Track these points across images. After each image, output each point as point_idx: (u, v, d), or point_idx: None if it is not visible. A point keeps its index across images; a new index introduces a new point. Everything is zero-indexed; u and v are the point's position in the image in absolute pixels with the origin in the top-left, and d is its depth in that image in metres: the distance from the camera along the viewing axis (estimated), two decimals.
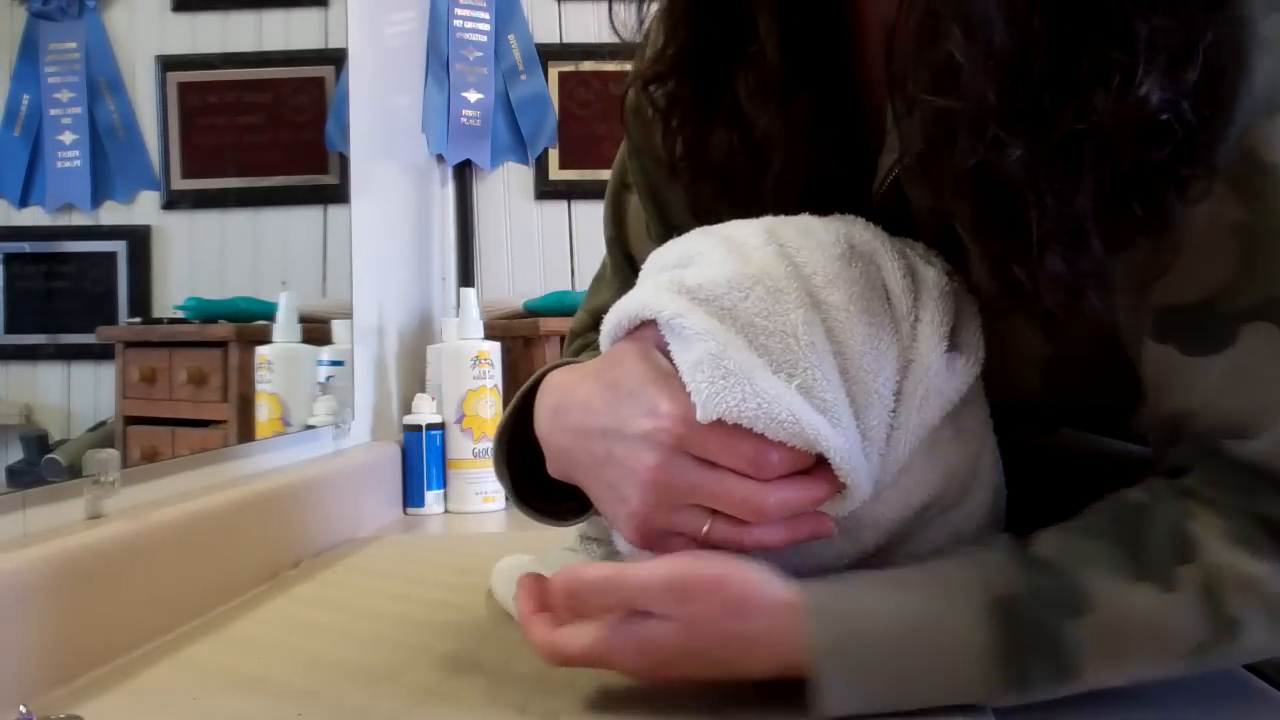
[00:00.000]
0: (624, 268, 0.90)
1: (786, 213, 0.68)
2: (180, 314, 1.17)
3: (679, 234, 0.70)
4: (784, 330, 0.61)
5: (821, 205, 0.69)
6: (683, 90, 0.74)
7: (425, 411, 1.56)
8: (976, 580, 0.61)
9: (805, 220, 0.67)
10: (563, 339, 1.69)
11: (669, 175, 0.78)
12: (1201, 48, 0.56)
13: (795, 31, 0.70)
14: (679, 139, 0.75)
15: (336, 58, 1.51)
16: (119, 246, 1.08)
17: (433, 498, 1.55)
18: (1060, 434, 0.74)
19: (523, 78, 2.04)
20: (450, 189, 2.04)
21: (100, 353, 1.05)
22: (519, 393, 0.76)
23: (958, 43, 0.57)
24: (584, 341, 0.94)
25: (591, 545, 0.86)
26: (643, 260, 0.73)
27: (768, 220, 0.67)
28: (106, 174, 1.06)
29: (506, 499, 0.79)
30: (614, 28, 0.78)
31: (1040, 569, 0.61)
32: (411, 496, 1.55)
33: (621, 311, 0.67)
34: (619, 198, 0.91)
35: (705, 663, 0.62)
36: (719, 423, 0.60)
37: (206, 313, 1.22)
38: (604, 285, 0.95)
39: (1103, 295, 0.60)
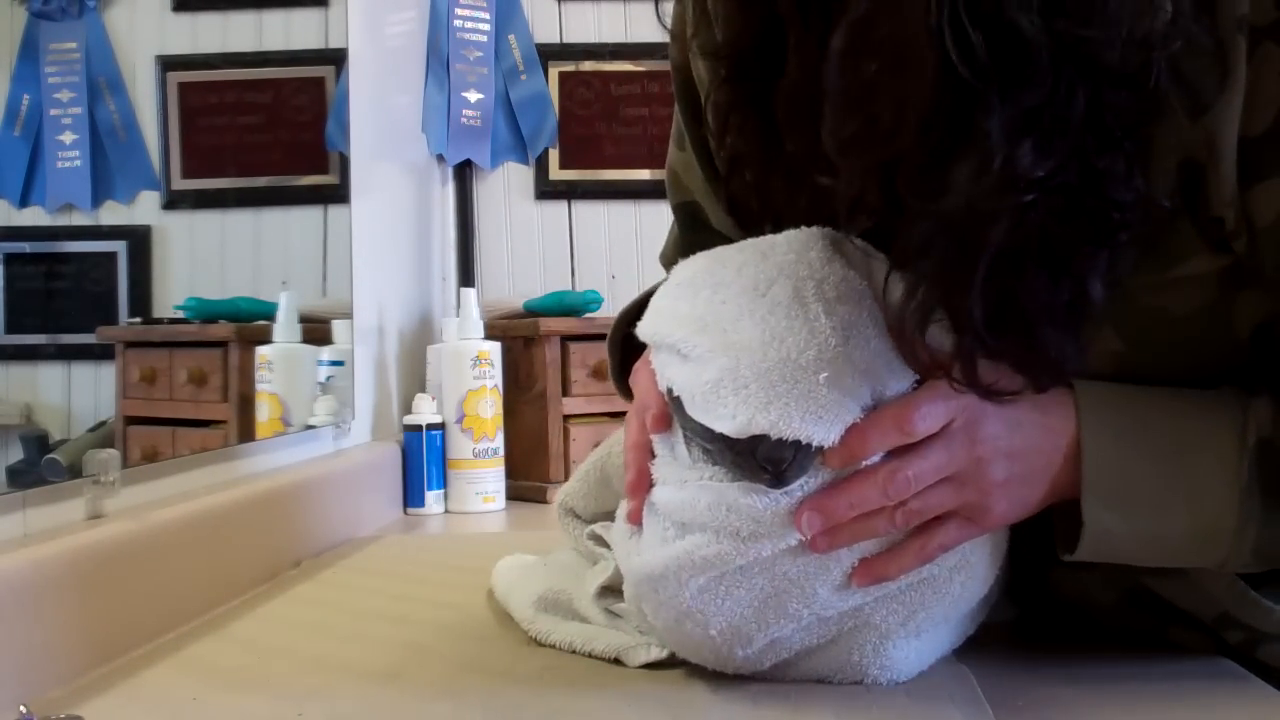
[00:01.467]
0: (689, 224, 0.94)
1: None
2: (180, 314, 1.17)
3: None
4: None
5: None
6: (736, 94, 0.74)
7: (425, 411, 1.56)
8: (1240, 421, 0.64)
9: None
10: (562, 339, 1.70)
11: (726, 176, 0.79)
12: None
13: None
14: (739, 135, 0.75)
15: (336, 58, 1.51)
16: (119, 246, 1.08)
17: (433, 498, 1.55)
18: None
19: (523, 78, 2.04)
20: (450, 189, 2.04)
21: (100, 353, 1.05)
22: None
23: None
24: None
25: (599, 547, 0.86)
26: (705, 206, 0.87)
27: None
28: (107, 174, 1.06)
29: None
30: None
31: None
32: (411, 496, 1.55)
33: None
34: (674, 158, 0.93)
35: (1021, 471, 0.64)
36: None
37: (206, 313, 1.22)
38: (673, 251, 0.97)
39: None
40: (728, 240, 0.78)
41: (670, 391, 0.66)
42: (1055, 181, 0.56)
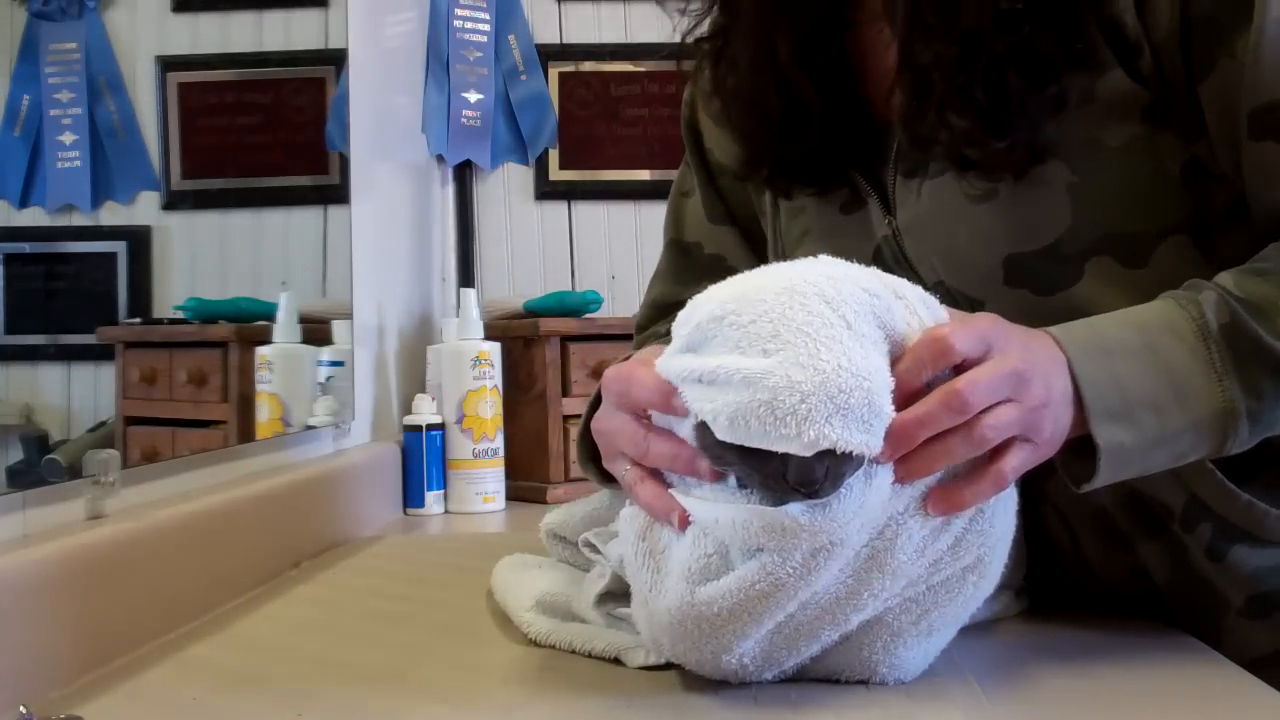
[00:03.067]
0: (678, 262, 1.04)
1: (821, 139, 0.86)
2: (180, 314, 1.17)
3: (731, 216, 0.99)
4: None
5: (844, 135, 0.85)
6: (726, 45, 0.90)
7: (425, 412, 1.56)
8: (1198, 315, 0.71)
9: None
10: (562, 339, 1.70)
11: (722, 121, 0.93)
12: None
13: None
14: (726, 81, 0.90)
15: (336, 58, 1.51)
16: (119, 247, 1.08)
17: (433, 498, 1.55)
18: (1071, 294, 0.79)
19: (523, 78, 2.05)
20: (450, 189, 2.04)
21: (100, 353, 1.05)
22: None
23: None
24: (648, 335, 1.04)
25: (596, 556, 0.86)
26: (699, 243, 1.00)
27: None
28: (106, 174, 1.06)
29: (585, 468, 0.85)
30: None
31: (1239, 300, 0.71)
32: (411, 497, 1.55)
33: None
34: (678, 203, 1.05)
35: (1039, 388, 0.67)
36: None
37: (206, 313, 1.22)
38: (659, 280, 1.06)
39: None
40: (710, 273, 0.85)
41: (698, 422, 0.64)
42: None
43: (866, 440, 0.60)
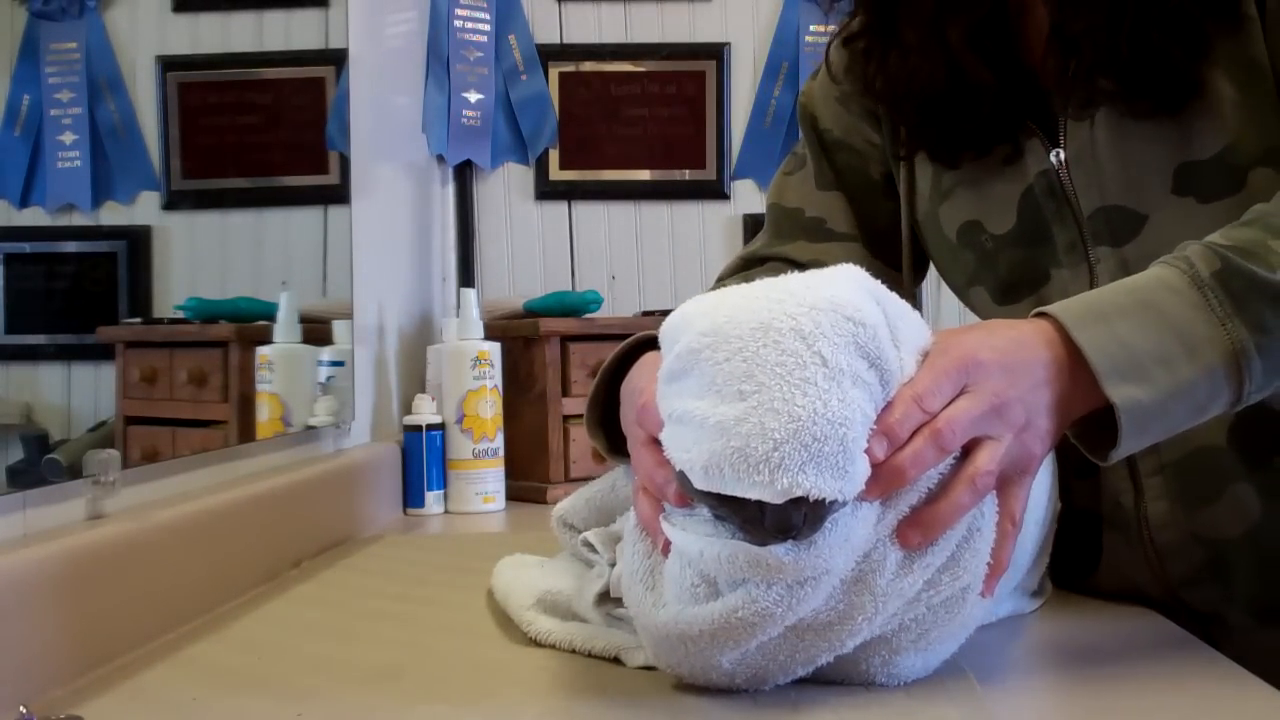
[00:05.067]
0: (777, 223, 1.08)
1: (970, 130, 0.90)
2: (180, 314, 1.17)
3: (841, 183, 1.04)
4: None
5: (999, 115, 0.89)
6: (872, 39, 0.96)
7: (425, 412, 1.56)
8: (1187, 268, 0.72)
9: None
10: (562, 339, 1.70)
11: (876, 116, 1.01)
12: None
13: None
14: (878, 77, 0.95)
15: (337, 58, 1.51)
16: (119, 246, 1.08)
17: (433, 498, 1.55)
18: (1233, 201, 0.82)
19: (523, 78, 2.05)
20: (450, 189, 2.04)
21: (100, 353, 1.05)
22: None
23: None
24: (726, 284, 1.04)
25: (592, 553, 0.86)
26: (800, 208, 1.05)
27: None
28: (107, 174, 1.06)
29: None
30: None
31: (1227, 248, 0.72)
32: (411, 497, 1.55)
33: None
34: (781, 181, 1.10)
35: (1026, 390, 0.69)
36: None
37: (207, 313, 1.22)
38: (757, 238, 1.10)
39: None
40: (809, 233, 1.03)
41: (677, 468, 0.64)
42: None
43: (840, 487, 0.60)
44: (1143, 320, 0.71)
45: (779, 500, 0.59)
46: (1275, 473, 0.84)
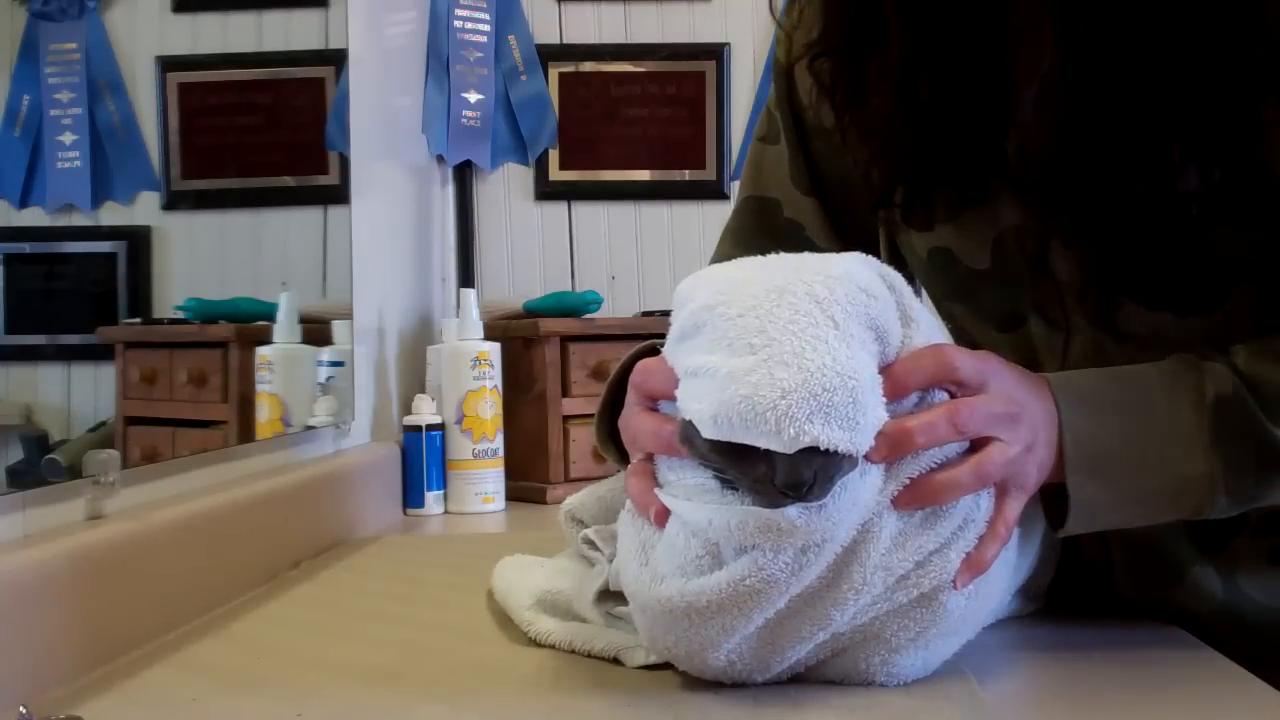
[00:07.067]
0: (752, 222, 0.98)
1: (934, 172, 0.80)
2: (180, 314, 1.17)
3: (818, 186, 0.93)
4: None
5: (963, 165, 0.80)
6: (839, 69, 0.84)
7: (425, 412, 1.56)
8: (1197, 383, 0.71)
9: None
10: (562, 339, 1.70)
11: (839, 142, 0.87)
12: None
13: (922, 26, 0.77)
14: (844, 113, 0.85)
15: (337, 58, 1.51)
16: (119, 247, 1.08)
17: (432, 498, 1.55)
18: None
19: (523, 78, 2.05)
20: (450, 189, 2.04)
21: (100, 353, 1.05)
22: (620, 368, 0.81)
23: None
24: None
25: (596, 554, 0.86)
26: (779, 201, 0.94)
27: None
28: (106, 174, 1.05)
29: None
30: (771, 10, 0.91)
31: (1244, 378, 0.71)
32: (411, 497, 1.55)
33: None
34: (758, 151, 0.99)
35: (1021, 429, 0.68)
36: None
37: (206, 313, 1.22)
38: (730, 238, 1.00)
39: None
40: (786, 241, 0.89)
41: (683, 419, 0.64)
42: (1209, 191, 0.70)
43: (850, 438, 0.60)
44: (1129, 419, 0.71)
45: (788, 450, 0.59)
46: (1233, 554, 0.82)
